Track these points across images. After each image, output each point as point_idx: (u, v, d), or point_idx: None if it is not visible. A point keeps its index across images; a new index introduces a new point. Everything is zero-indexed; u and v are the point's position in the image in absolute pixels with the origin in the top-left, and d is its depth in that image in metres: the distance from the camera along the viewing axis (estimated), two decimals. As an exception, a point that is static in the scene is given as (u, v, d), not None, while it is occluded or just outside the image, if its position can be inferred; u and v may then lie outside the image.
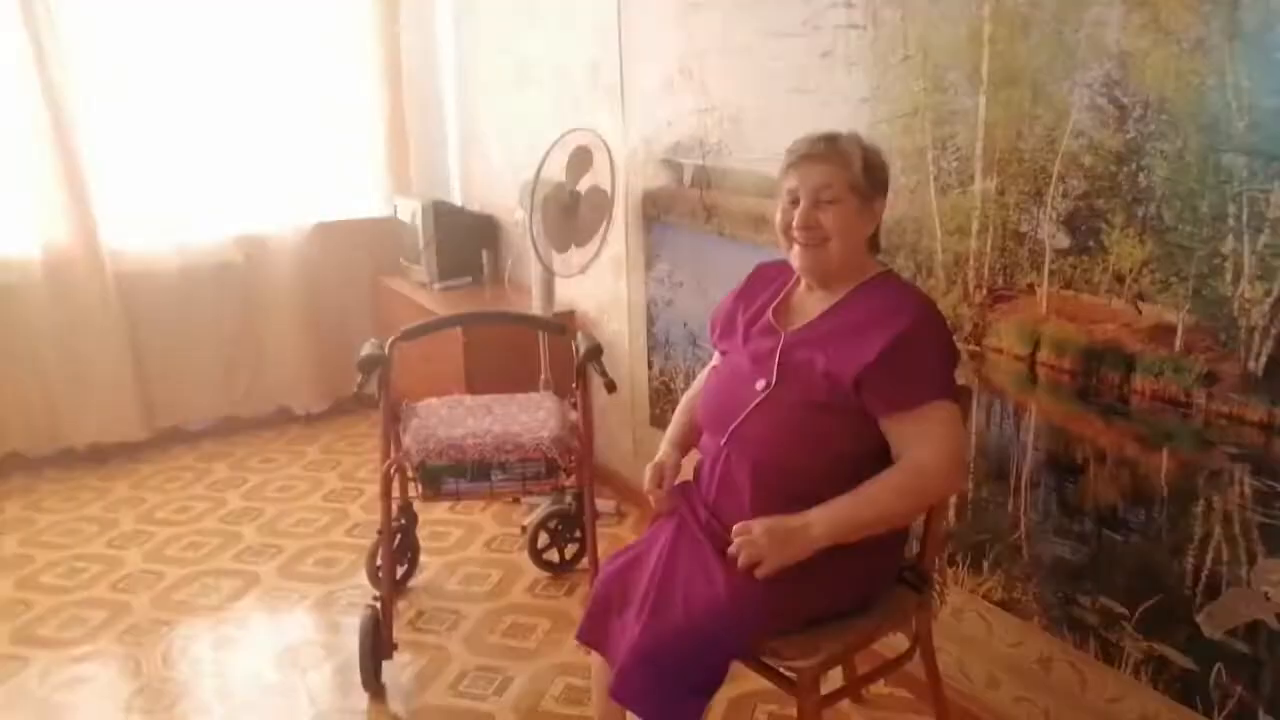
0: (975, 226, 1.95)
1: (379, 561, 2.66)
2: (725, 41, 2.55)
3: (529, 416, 2.54)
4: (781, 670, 1.70)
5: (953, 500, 2.10)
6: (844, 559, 1.64)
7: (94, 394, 3.73)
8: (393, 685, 2.34)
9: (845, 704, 2.25)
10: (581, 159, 2.90)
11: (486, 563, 2.94)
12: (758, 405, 1.69)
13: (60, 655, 2.48)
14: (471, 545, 3.06)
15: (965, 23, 1.88)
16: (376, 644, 2.30)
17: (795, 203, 1.67)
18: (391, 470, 2.39)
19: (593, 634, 1.77)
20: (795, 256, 1.70)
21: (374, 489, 3.13)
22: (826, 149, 1.67)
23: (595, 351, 2.39)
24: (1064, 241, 1.78)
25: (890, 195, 1.75)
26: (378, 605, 2.33)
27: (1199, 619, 1.67)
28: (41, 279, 3.58)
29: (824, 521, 1.57)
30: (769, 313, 1.78)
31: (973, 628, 2.13)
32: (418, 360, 3.69)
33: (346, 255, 4.20)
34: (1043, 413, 1.88)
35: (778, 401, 1.68)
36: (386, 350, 2.45)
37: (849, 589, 1.70)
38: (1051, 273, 1.81)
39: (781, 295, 1.80)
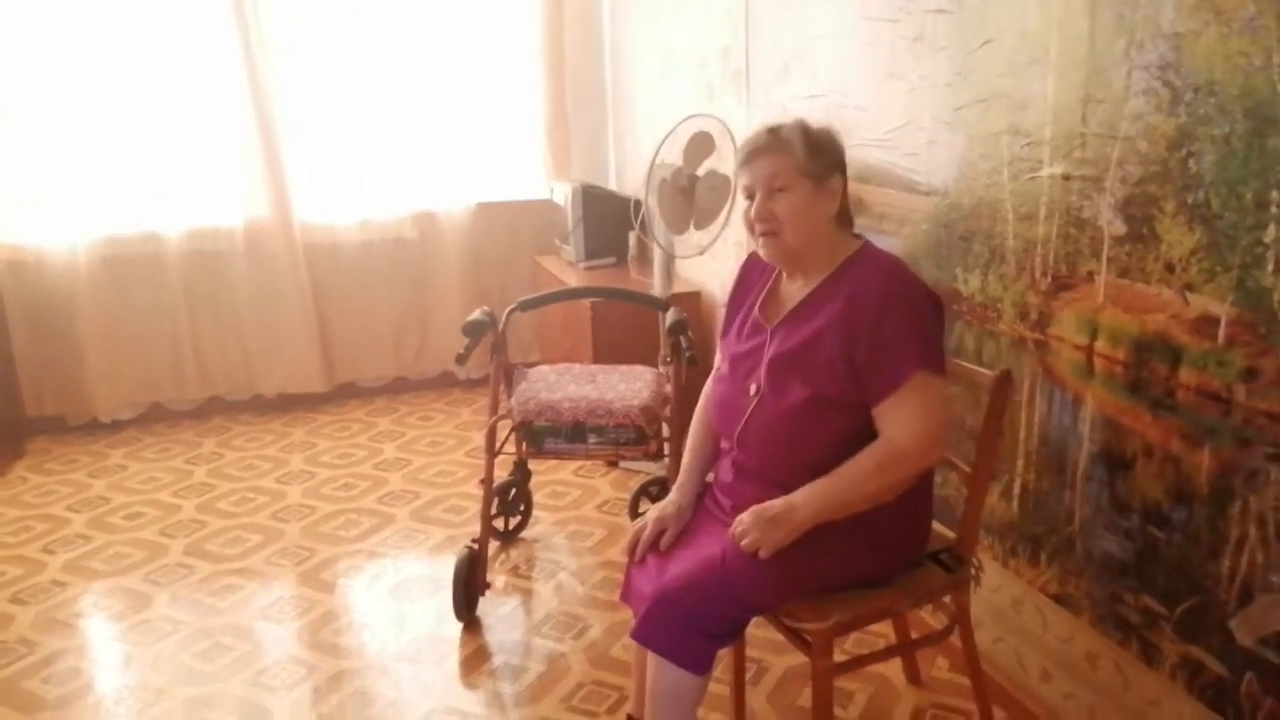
0: (1043, 212, 1.92)
1: (493, 509, 2.93)
2: (831, 27, 2.60)
3: (626, 386, 2.70)
4: (802, 633, 1.78)
5: (1015, 490, 2.09)
6: (858, 531, 1.71)
7: (283, 350, 4.23)
8: (484, 620, 2.57)
9: (902, 684, 2.28)
10: (701, 144, 3.01)
11: (595, 522, 3.14)
12: (753, 410, 1.78)
13: (219, 568, 2.88)
14: (586, 505, 3.26)
15: (1037, 4, 1.86)
16: (470, 581, 2.54)
17: (752, 197, 1.74)
18: (495, 426, 2.62)
19: (626, 592, 1.91)
20: (760, 248, 1.78)
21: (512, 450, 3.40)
22: (769, 140, 1.73)
23: (679, 326, 2.52)
24: (1121, 228, 1.74)
25: (968, 182, 1.75)
26: (475, 546, 2.57)
27: (1231, 624, 1.61)
28: (243, 247, 4.09)
29: (808, 503, 1.65)
30: (756, 308, 1.85)
31: (1030, 620, 2.10)
32: (558, 330, 3.94)
33: (508, 234, 4.52)
34: (1098, 404, 1.84)
35: (770, 404, 1.75)
36: (503, 319, 2.69)
37: (866, 561, 1.75)
38: (1109, 260, 1.78)
39: (769, 286, 1.86)
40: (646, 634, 1.73)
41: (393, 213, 4.32)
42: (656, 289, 3.27)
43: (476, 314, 2.61)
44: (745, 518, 1.67)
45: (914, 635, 2.22)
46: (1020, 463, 2.07)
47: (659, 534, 1.86)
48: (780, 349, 1.76)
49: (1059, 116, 1.84)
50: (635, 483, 3.18)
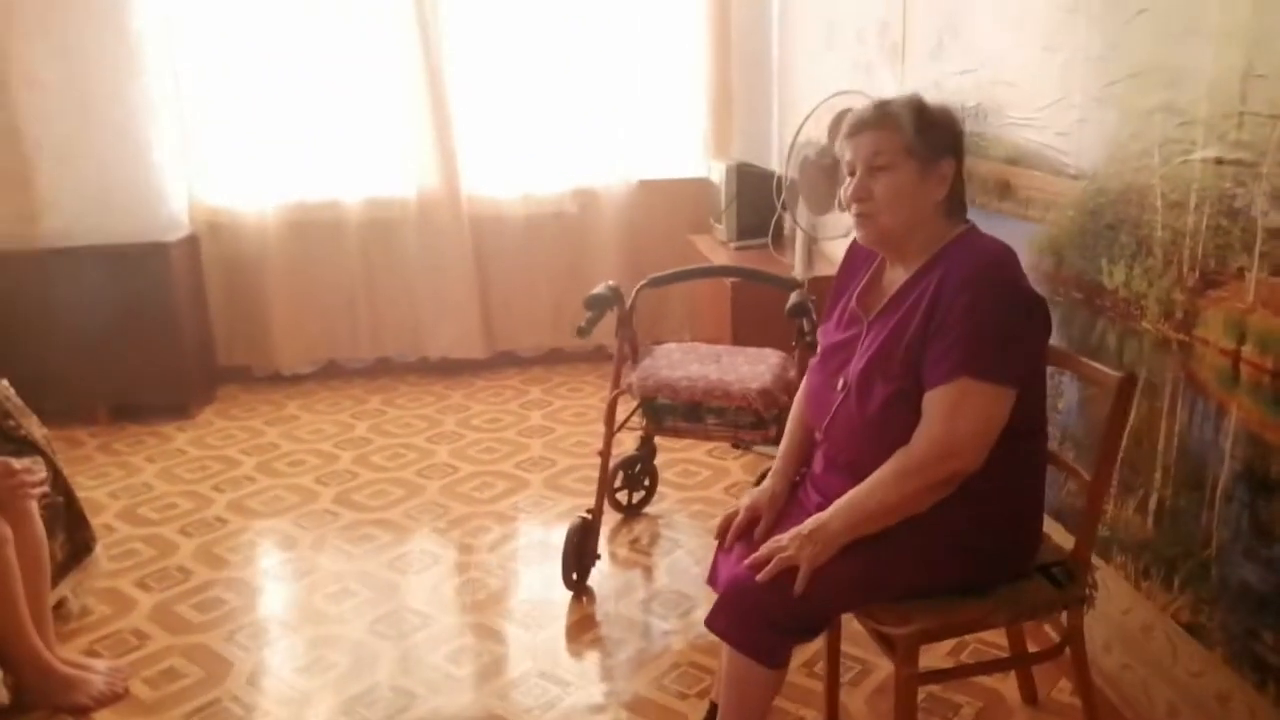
0: (1193, 200, 1.73)
1: (617, 482, 2.97)
2: (987, -1, 2.44)
3: (750, 368, 2.65)
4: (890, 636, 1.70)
5: (1151, 505, 1.90)
6: (942, 533, 1.61)
7: (448, 316, 4.42)
8: (596, 590, 2.61)
9: (1016, 702, 2.14)
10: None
11: (720, 504, 3.11)
12: (839, 406, 1.70)
13: (361, 517, 3.07)
14: (714, 486, 3.24)
15: (1196, -31, 1.67)
16: (581, 550, 2.58)
17: (854, 174, 1.63)
18: (615, 400, 2.64)
19: (713, 576, 1.89)
20: (856, 229, 1.66)
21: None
22: (875, 115, 1.61)
23: (798, 309, 2.44)
24: (1276, 220, 1.54)
25: (1117, 165, 1.60)
26: (589, 517, 2.61)
27: (1382, 678, 1.40)
28: (415, 216, 4.30)
29: (839, 516, 1.59)
30: (854, 298, 1.76)
31: (1160, 649, 1.91)
32: (706, 310, 3.92)
33: (666, 211, 4.52)
34: (1243, 416, 1.64)
35: (856, 401, 1.66)
36: (632, 295, 2.70)
37: (952, 566, 1.64)
38: (1262, 256, 1.57)
39: (870, 275, 1.76)
40: (718, 622, 1.70)
41: (555, 187, 4.41)
42: (797, 270, 3.18)
43: (600, 288, 2.63)
44: (785, 539, 1.62)
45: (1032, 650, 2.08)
46: (1158, 476, 1.88)
47: (752, 521, 1.82)
48: (871, 349, 1.67)
49: (1215, 93, 1.64)
50: (763, 467, 3.12)
